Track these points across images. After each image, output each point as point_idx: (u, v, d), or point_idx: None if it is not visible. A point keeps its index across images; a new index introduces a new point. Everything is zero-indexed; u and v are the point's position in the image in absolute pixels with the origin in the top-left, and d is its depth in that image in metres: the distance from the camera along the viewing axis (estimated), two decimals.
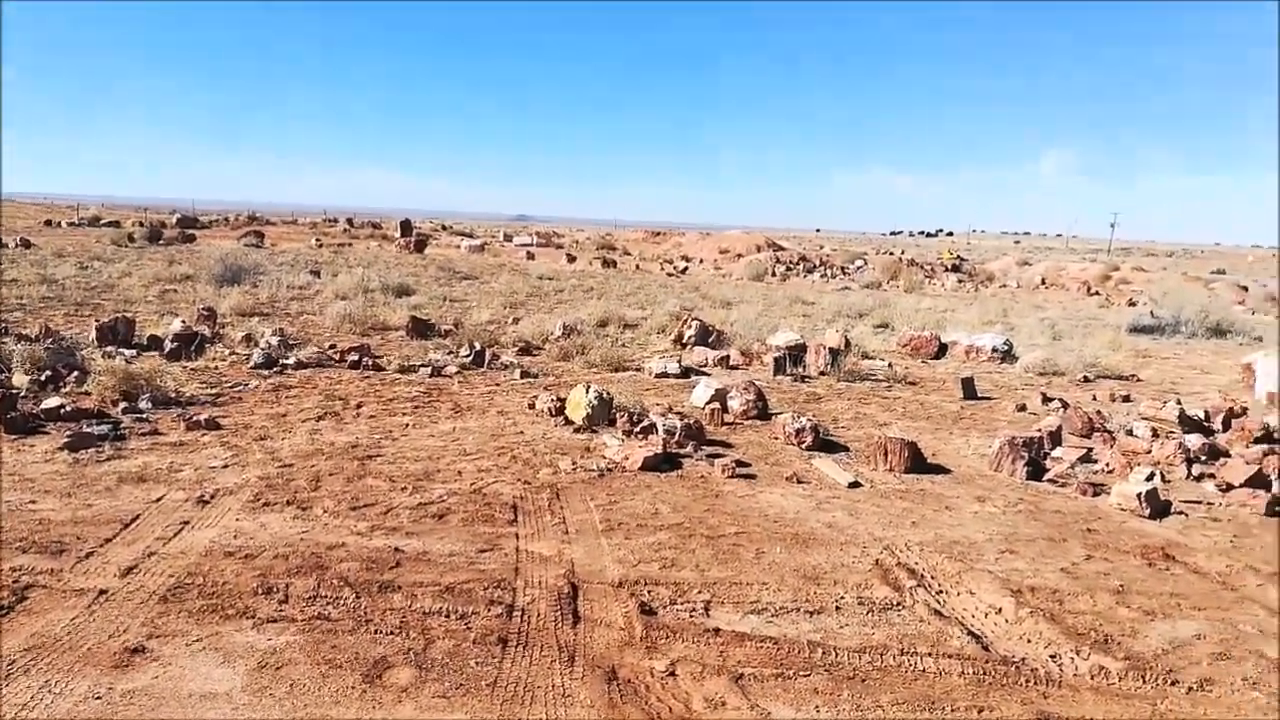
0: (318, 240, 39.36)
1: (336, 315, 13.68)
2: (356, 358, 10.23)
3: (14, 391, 7.56)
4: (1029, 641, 4.03)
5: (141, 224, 38.44)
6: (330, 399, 8.45)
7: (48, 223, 42.59)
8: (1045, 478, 6.84)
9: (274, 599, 4.08)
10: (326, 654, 3.60)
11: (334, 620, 3.90)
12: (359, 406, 8.21)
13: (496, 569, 4.56)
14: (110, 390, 7.77)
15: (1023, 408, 9.67)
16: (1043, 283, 36.90)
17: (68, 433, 6.58)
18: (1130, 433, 8.26)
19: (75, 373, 8.38)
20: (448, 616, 3.98)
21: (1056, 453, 7.43)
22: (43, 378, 8.19)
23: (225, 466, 6.18)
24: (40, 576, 4.21)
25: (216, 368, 9.60)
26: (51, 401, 7.33)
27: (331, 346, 11.07)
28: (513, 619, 3.99)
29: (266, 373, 9.49)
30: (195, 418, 7.22)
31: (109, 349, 9.89)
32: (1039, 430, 7.83)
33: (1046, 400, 9.84)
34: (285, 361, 9.91)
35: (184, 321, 11.23)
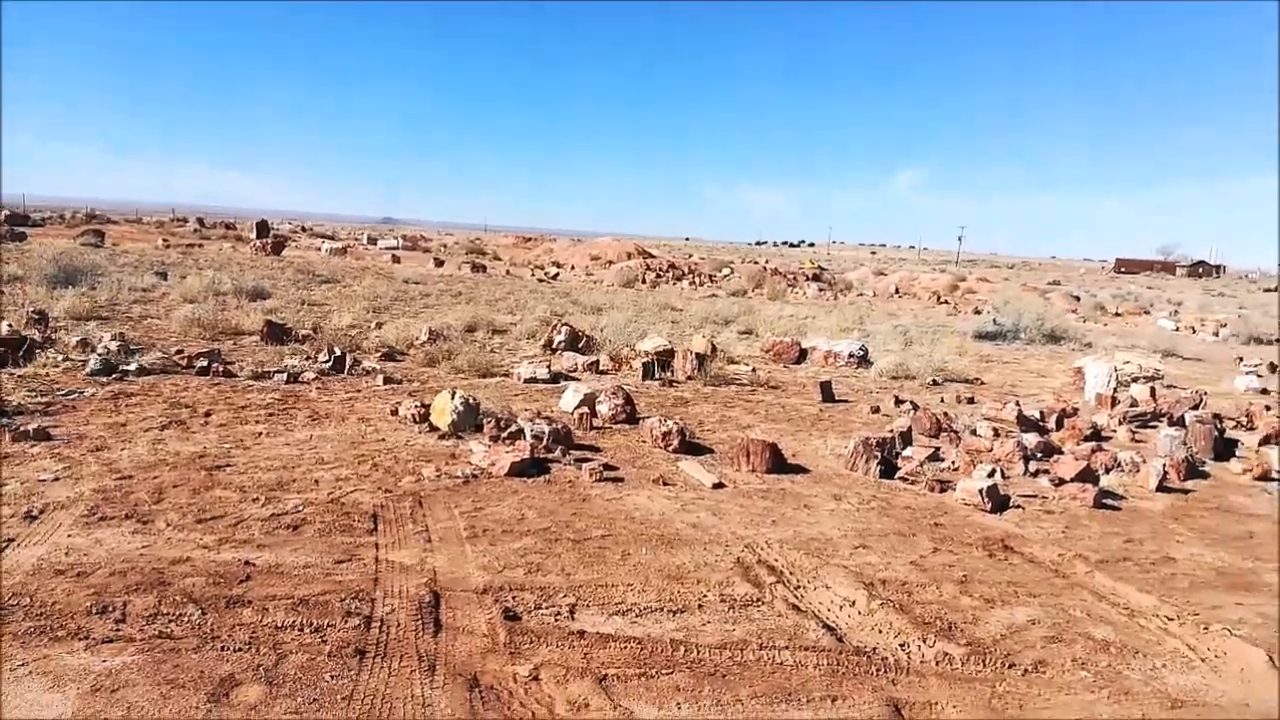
0: (165, 240, 37.16)
1: (184, 319, 12.93)
2: (205, 363, 9.71)
3: None
4: (880, 632, 4.21)
5: None
6: (176, 407, 7.98)
7: None
8: (897, 476, 7.17)
9: (110, 618, 3.82)
10: (168, 674, 3.40)
11: (177, 638, 3.69)
12: (208, 415, 7.79)
13: (354, 580, 4.42)
14: None
15: (877, 410, 10.11)
16: (896, 292, 38.77)
17: None
18: (974, 432, 8.78)
19: None
20: (301, 630, 3.83)
21: (907, 452, 7.80)
22: None
23: (56, 479, 5.74)
24: None
25: (48, 374, 8.90)
26: None
27: (179, 352, 10.47)
28: (371, 630, 3.88)
29: (104, 380, 8.87)
30: (22, 428, 6.67)
31: None
32: (891, 431, 8.21)
33: (899, 402, 10.33)
34: (126, 368, 9.30)
35: (11, 325, 10.37)
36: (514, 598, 4.34)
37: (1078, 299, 34.72)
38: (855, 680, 3.72)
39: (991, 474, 7.03)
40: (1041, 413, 9.78)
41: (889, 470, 7.24)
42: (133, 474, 5.96)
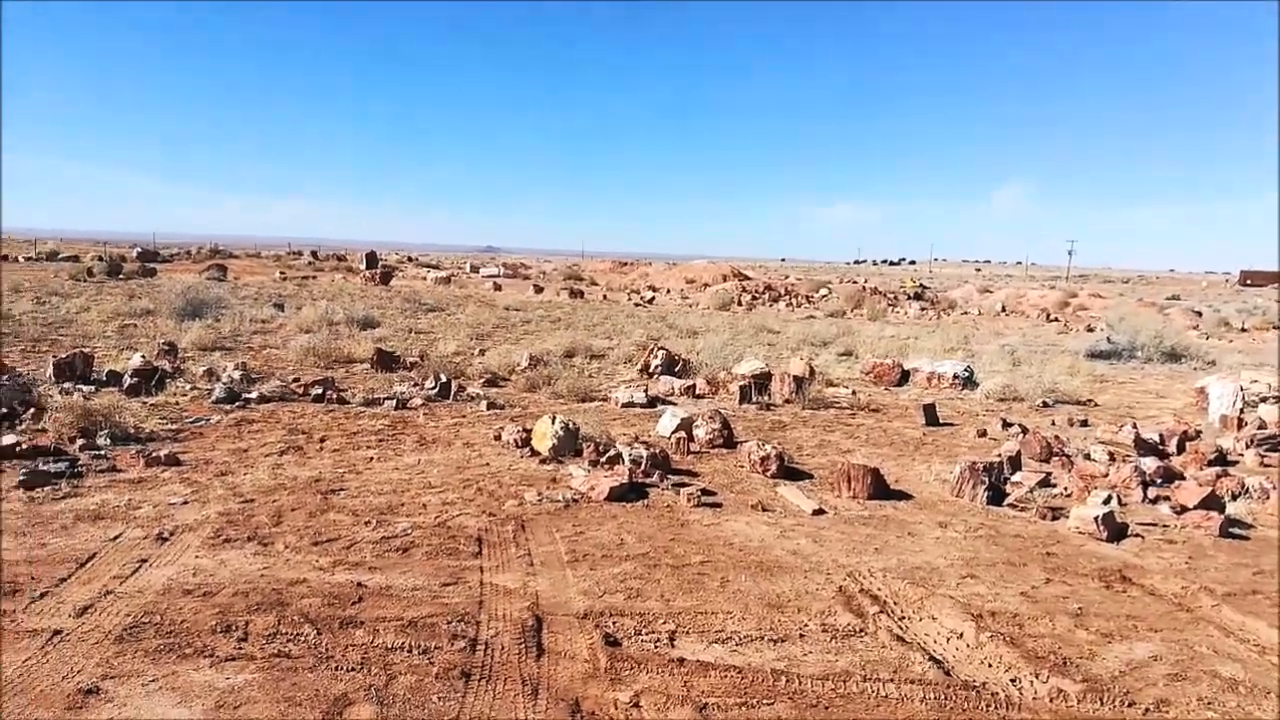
0: (282, 273, 39.06)
1: (300, 348, 13.57)
2: (320, 391, 10.15)
3: None
4: (989, 666, 4.08)
5: (101, 258, 37.90)
6: (293, 433, 8.37)
7: (3, 258, 41.85)
8: (1005, 502, 6.95)
9: (233, 637, 4.03)
10: (286, 692, 3.56)
11: (294, 658, 3.86)
12: (322, 440, 8.14)
13: (460, 603, 4.54)
14: (68, 427, 7.64)
15: (983, 433, 9.81)
16: (1003, 310, 37.55)
17: (23, 470, 6.46)
18: (1088, 456, 8.42)
19: (31, 409, 8.23)
20: (410, 652, 3.95)
21: (1016, 477, 7.54)
22: None
23: (185, 503, 6.10)
24: None
25: (177, 403, 9.47)
26: (7, 439, 7.19)
27: (295, 380, 10.98)
28: (476, 653, 3.97)
29: (228, 407, 9.38)
30: (155, 454, 7.12)
31: (66, 385, 9.71)
32: (999, 455, 7.96)
33: (1006, 425, 10.01)
34: (248, 396, 9.81)
35: (144, 356, 11.07)
36: (614, 623, 4.37)
37: (1199, 314, 32.92)
38: (963, 716, 3.61)
39: (1107, 501, 6.73)
40: (1161, 436, 9.29)
41: (997, 497, 7.01)
42: (254, 498, 6.28)
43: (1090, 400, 12.76)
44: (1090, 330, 25.92)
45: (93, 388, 9.76)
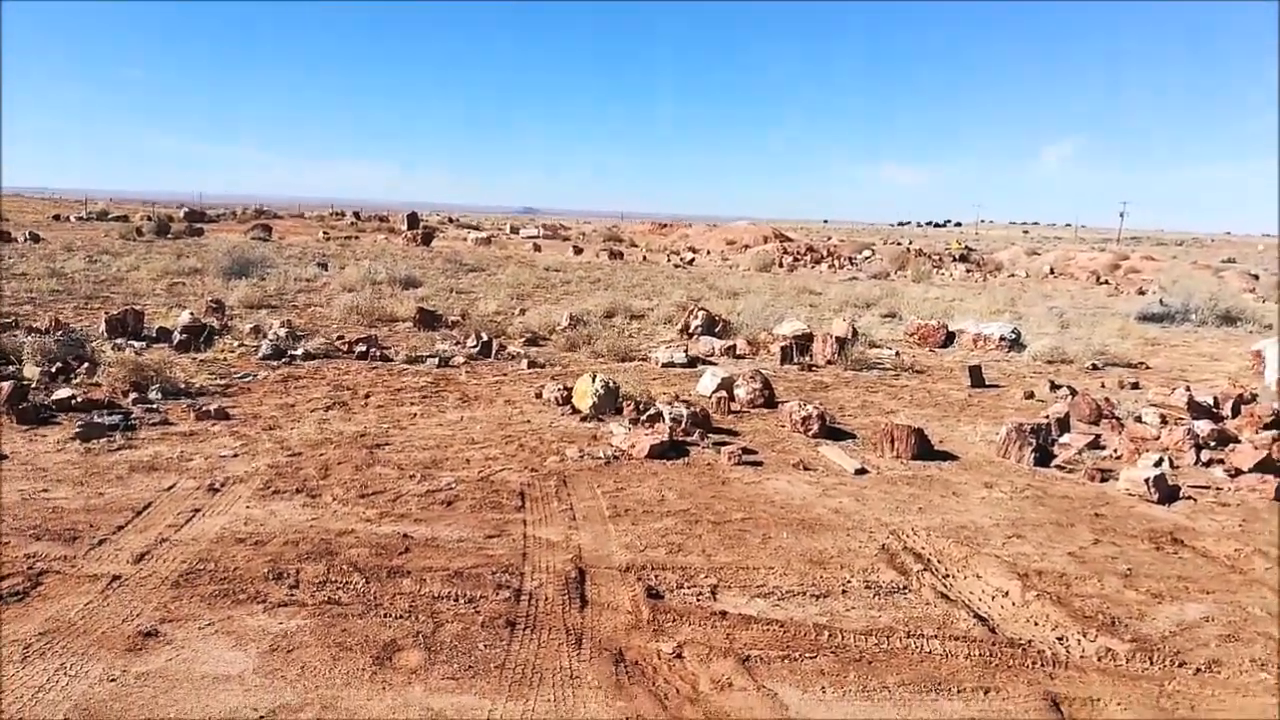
0: (325, 233, 39.42)
1: (344, 307, 13.72)
2: (364, 349, 10.27)
3: (25, 383, 7.60)
4: (1036, 624, 4.04)
5: (149, 218, 38.54)
6: (338, 389, 8.49)
7: (56, 217, 42.73)
8: (1053, 464, 6.84)
9: (285, 584, 4.11)
10: (337, 637, 3.63)
11: (344, 604, 3.94)
12: (367, 396, 8.25)
13: (504, 554, 4.59)
14: (120, 381, 7.82)
15: (1031, 395, 9.66)
16: (1051, 272, 36.78)
17: (79, 423, 6.63)
18: (1139, 419, 8.25)
19: (85, 364, 8.43)
20: (456, 601, 4.01)
21: (1064, 439, 7.42)
22: (53, 369, 8.24)
23: (235, 455, 6.22)
24: (54, 563, 4.25)
25: (225, 359, 9.64)
26: (62, 393, 7.38)
27: (339, 338, 11.11)
28: (520, 603, 4.02)
29: (275, 364, 9.53)
30: (205, 408, 7.26)
31: (118, 341, 9.94)
32: (1047, 417, 7.83)
33: (1055, 387, 9.83)
34: (293, 352, 9.95)
35: (192, 314, 11.28)
36: (656, 576, 4.40)
37: (1255, 277, 31.92)
38: (1009, 673, 3.59)
39: (1159, 463, 6.59)
40: (1215, 399, 9.06)
41: (1044, 458, 6.90)
42: (302, 451, 6.39)
43: (1142, 363, 12.49)
44: (1142, 293, 25.30)
45: (144, 344, 9.99)
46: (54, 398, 7.24)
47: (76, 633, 3.58)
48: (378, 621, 3.79)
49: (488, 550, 4.65)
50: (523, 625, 3.80)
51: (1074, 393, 9.30)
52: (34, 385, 7.70)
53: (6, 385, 7.15)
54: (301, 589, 4.08)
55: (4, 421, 6.71)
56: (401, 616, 3.84)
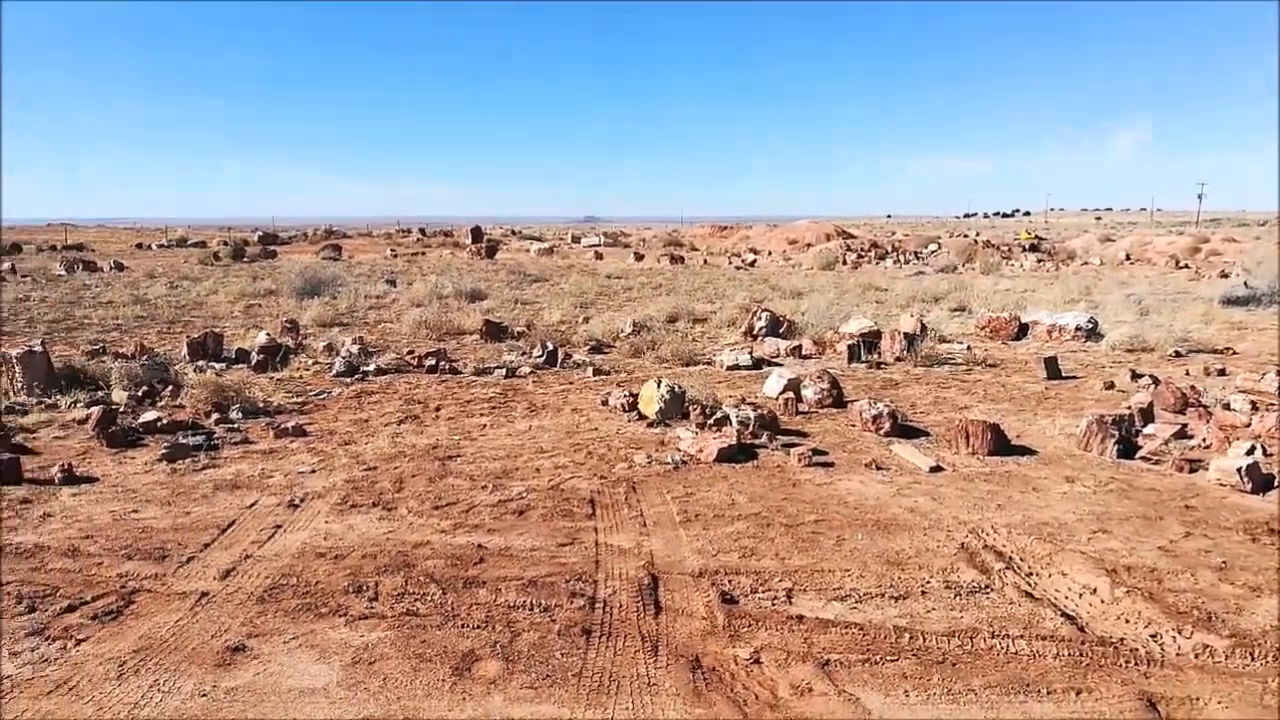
0: (392, 251, 40.25)
1: (413, 322, 13.98)
2: (434, 362, 10.44)
3: (114, 407, 7.93)
4: (1127, 621, 3.89)
5: (226, 243, 39.83)
6: (410, 403, 8.64)
7: (139, 246, 44.48)
8: (1137, 455, 6.61)
9: (364, 597, 4.19)
10: (416, 648, 3.69)
11: (422, 616, 3.99)
12: (438, 409, 8.38)
13: (577, 562, 4.61)
14: (203, 402, 8.09)
15: (1111, 385, 9.34)
16: (1127, 258, 35.58)
17: (165, 444, 6.86)
18: (1227, 406, 7.92)
19: (170, 387, 8.74)
20: (532, 610, 4.04)
21: (1148, 430, 7.15)
22: (139, 393, 8.57)
23: (313, 471, 6.38)
24: (145, 581, 4.41)
25: (301, 377, 9.90)
26: (149, 415, 7.66)
27: (409, 352, 11.32)
28: (595, 610, 4.03)
29: (348, 380, 9.75)
30: (283, 425, 7.46)
31: (200, 363, 10.29)
32: (1129, 407, 7.57)
33: (1136, 377, 9.50)
34: (366, 369, 10.17)
35: (268, 334, 11.61)
36: (730, 581, 4.36)
37: None
38: (1102, 672, 3.46)
39: (1251, 451, 6.30)
40: None
41: (1128, 450, 6.67)
42: (376, 465, 6.52)
43: (1228, 349, 11.99)
44: (1224, 276, 24.32)
45: (223, 365, 10.32)
46: (141, 420, 7.52)
47: (168, 649, 3.70)
48: (456, 632, 3.83)
49: (560, 558, 4.67)
50: (598, 633, 3.81)
51: (1156, 381, 8.98)
52: (122, 409, 8.02)
53: (96, 410, 7.46)
54: (381, 601, 4.15)
55: (95, 445, 6.99)
56: (479, 626, 3.88)
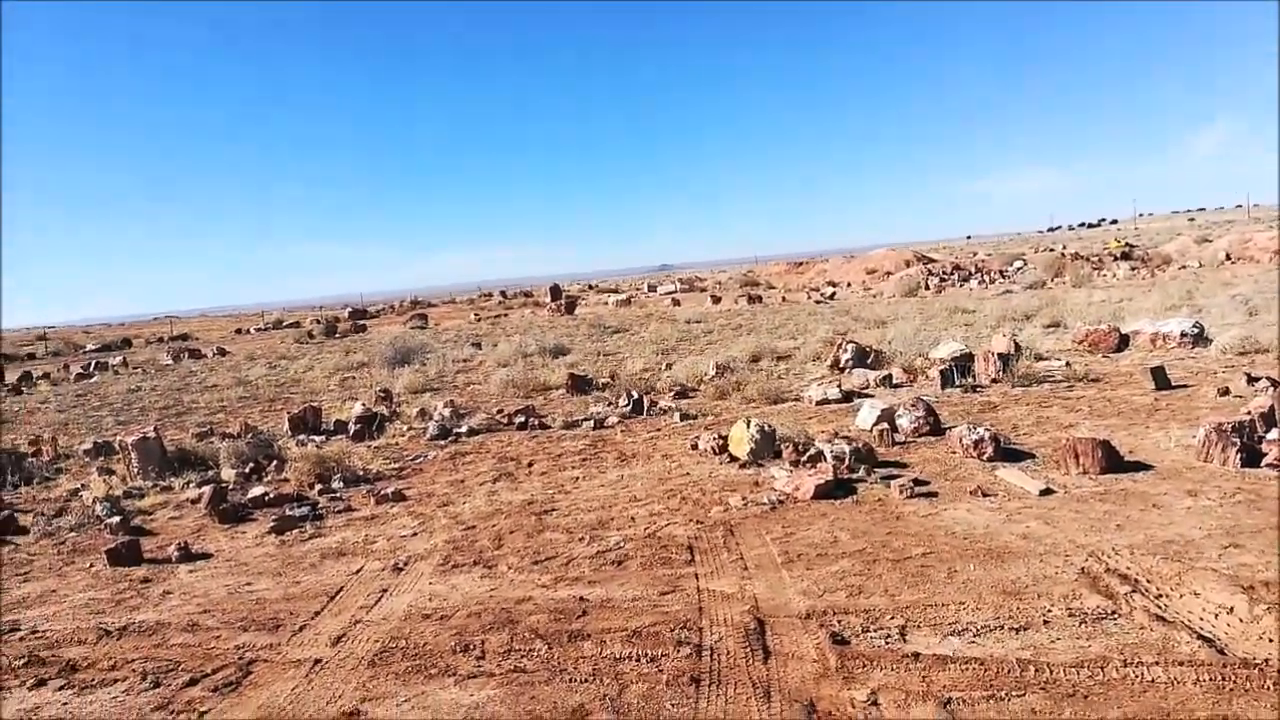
0: (475, 315, 41.22)
1: (500, 382, 14.23)
2: (523, 419, 10.58)
3: (223, 485, 8.25)
4: (1271, 640, 3.62)
5: (319, 321, 41.44)
6: (503, 460, 8.75)
7: (238, 331, 46.65)
8: (1263, 463, 6.22)
9: (471, 655, 4.21)
10: (527, 705, 3.67)
11: (529, 672, 3.98)
12: (530, 465, 8.46)
13: (680, 610, 4.54)
14: (306, 474, 8.35)
15: (1225, 391, 8.86)
16: (1227, 258, 33.95)
17: (273, 517, 7.10)
18: None
19: (274, 462, 9.06)
20: (638, 660, 3.99)
21: (1272, 435, 6.73)
22: (247, 470, 8.90)
23: (414, 534, 6.49)
24: (261, 651, 4.52)
25: (397, 443, 10.15)
26: (256, 490, 7.94)
27: (499, 411, 11.49)
28: (702, 658, 3.95)
29: (442, 443, 9.95)
30: (383, 491, 7.63)
31: (301, 437, 10.65)
32: (1248, 413, 7.14)
33: (1252, 380, 8.99)
34: (458, 430, 10.37)
35: (364, 404, 11.96)
36: (839, 621, 4.24)
37: None
38: (1248, 696, 3.22)
39: None
40: None
41: (1252, 458, 6.29)
42: (475, 524, 6.59)
43: None
44: None
45: (323, 437, 10.65)
46: (249, 496, 7.80)
47: (287, 717, 3.76)
48: (564, 687, 3.80)
49: (663, 607, 4.61)
50: (707, 681, 3.73)
51: (1275, 384, 8.47)
52: (231, 486, 8.34)
53: (207, 490, 7.77)
54: (488, 659, 4.16)
55: (208, 522, 7.26)
56: (586, 680, 3.84)
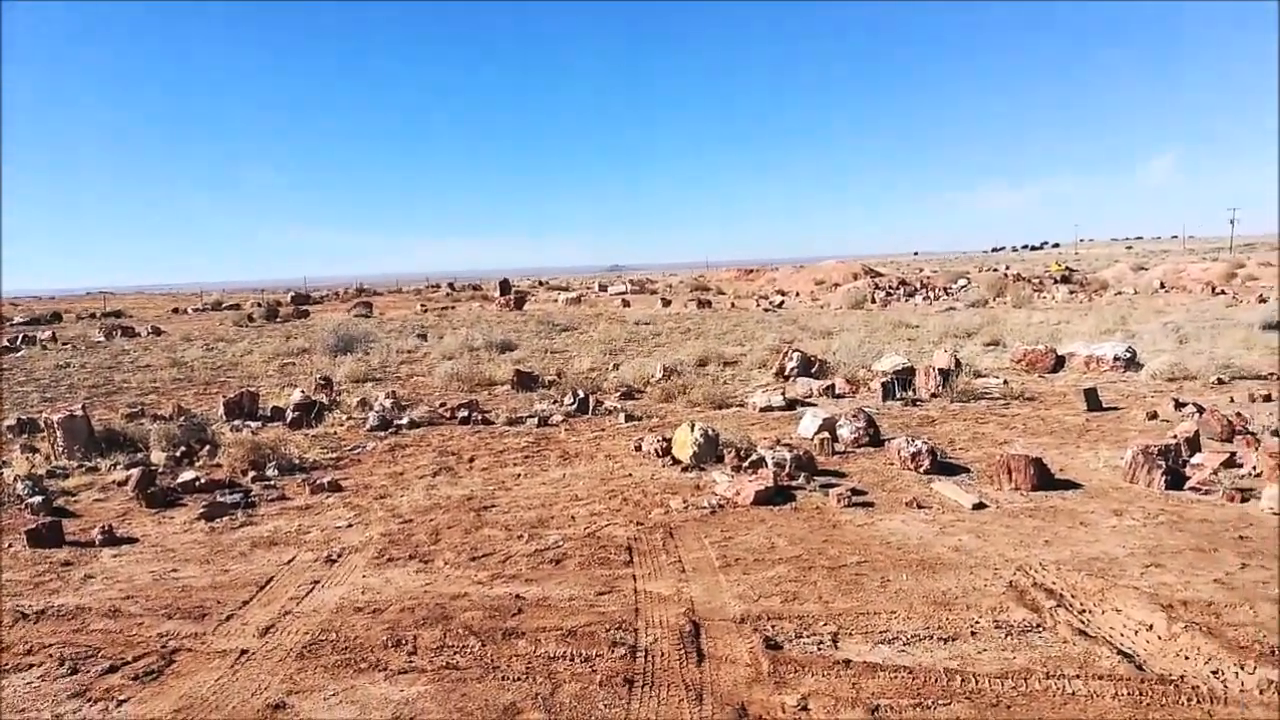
0: (422, 306, 40.71)
1: (444, 375, 14.06)
2: (466, 414, 10.48)
3: (152, 468, 8.02)
4: (1186, 658, 3.75)
5: (260, 304, 40.55)
6: (444, 455, 8.66)
7: (175, 310, 45.39)
8: (1186, 486, 6.44)
9: (403, 651, 4.15)
10: (457, 702, 3.63)
11: (462, 669, 3.94)
12: (472, 460, 8.38)
13: (617, 610, 4.54)
14: (240, 461, 8.15)
15: (1154, 415, 9.15)
16: (1162, 286, 35.12)
17: (203, 503, 6.92)
18: (1276, 433, 7.71)
19: (207, 447, 8.84)
20: (572, 660, 3.97)
21: (1196, 459, 6.98)
22: (178, 453, 8.67)
23: (349, 526, 6.38)
24: (186, 640, 4.40)
25: (335, 433, 9.97)
26: (187, 475, 7.74)
27: (442, 405, 11.36)
28: (637, 659, 3.95)
29: (382, 434, 9.80)
30: (319, 481, 7.49)
31: (236, 422, 10.40)
32: (1174, 437, 7.39)
33: (1179, 406, 9.30)
34: (399, 422, 10.22)
35: (303, 392, 11.72)
36: (773, 626, 4.27)
37: None
38: (1163, 711, 3.33)
39: None
40: None
41: (1176, 481, 6.50)
42: (412, 518, 6.51)
43: (1272, 374, 11.72)
44: (1264, 301, 23.88)
45: (259, 423, 10.42)
46: (179, 481, 7.60)
47: (209, 708, 3.67)
48: (496, 685, 3.77)
49: (600, 607, 4.61)
50: (641, 683, 3.73)
51: (1201, 410, 8.78)
52: (160, 470, 8.11)
53: (136, 472, 7.54)
54: (420, 655, 4.10)
55: (134, 506, 7.05)
56: (519, 679, 3.82)
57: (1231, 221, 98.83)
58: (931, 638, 4.09)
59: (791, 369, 13.01)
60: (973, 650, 3.95)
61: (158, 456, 8.57)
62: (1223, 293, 30.28)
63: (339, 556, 5.66)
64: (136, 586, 5.22)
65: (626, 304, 38.11)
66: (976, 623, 4.24)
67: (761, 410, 10.52)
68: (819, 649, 4.02)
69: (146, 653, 4.25)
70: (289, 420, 10.39)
